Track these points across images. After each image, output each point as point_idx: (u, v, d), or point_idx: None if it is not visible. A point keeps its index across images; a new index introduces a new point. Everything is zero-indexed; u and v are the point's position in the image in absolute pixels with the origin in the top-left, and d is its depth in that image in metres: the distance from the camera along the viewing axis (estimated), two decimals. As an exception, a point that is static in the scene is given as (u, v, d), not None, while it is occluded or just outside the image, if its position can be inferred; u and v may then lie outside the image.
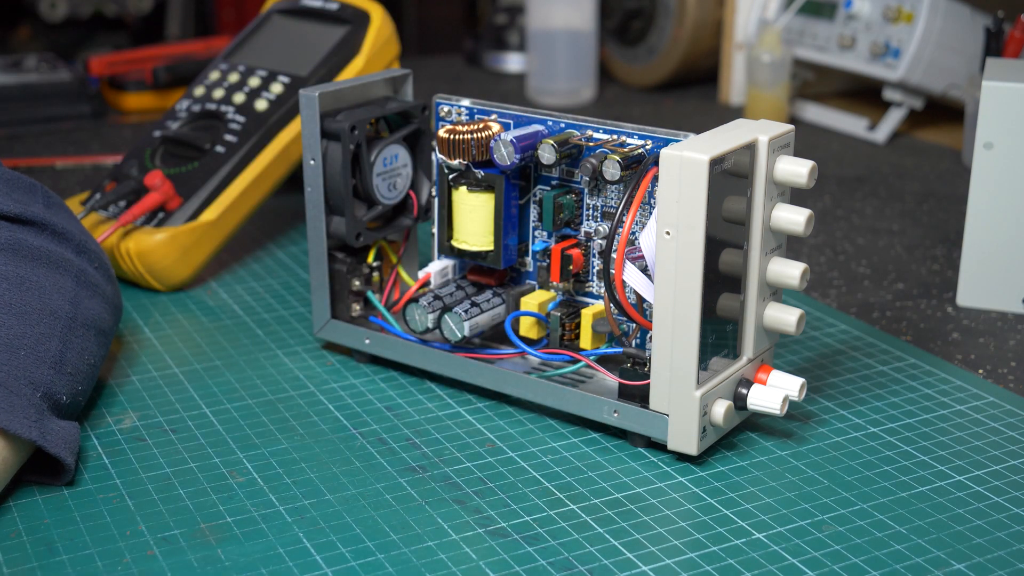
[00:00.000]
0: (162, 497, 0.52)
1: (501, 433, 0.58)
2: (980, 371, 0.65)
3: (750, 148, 0.54)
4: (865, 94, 1.21)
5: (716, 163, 0.51)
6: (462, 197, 0.60)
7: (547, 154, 0.58)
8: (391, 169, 0.64)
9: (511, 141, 0.58)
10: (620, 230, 0.56)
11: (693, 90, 1.27)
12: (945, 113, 1.14)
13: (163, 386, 0.62)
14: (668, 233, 0.52)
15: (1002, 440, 0.57)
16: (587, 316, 0.60)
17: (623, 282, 0.56)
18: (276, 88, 0.78)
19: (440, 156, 0.60)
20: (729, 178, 0.52)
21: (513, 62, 1.37)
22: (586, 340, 0.60)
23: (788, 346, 0.67)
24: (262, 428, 0.58)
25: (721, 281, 0.54)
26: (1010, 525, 0.51)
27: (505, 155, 0.58)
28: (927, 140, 1.11)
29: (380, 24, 0.81)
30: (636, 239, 0.57)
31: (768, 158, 0.54)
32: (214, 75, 0.81)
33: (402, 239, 0.67)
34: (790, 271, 0.55)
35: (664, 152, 0.51)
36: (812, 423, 0.59)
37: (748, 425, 0.58)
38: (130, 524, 0.50)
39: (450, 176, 0.61)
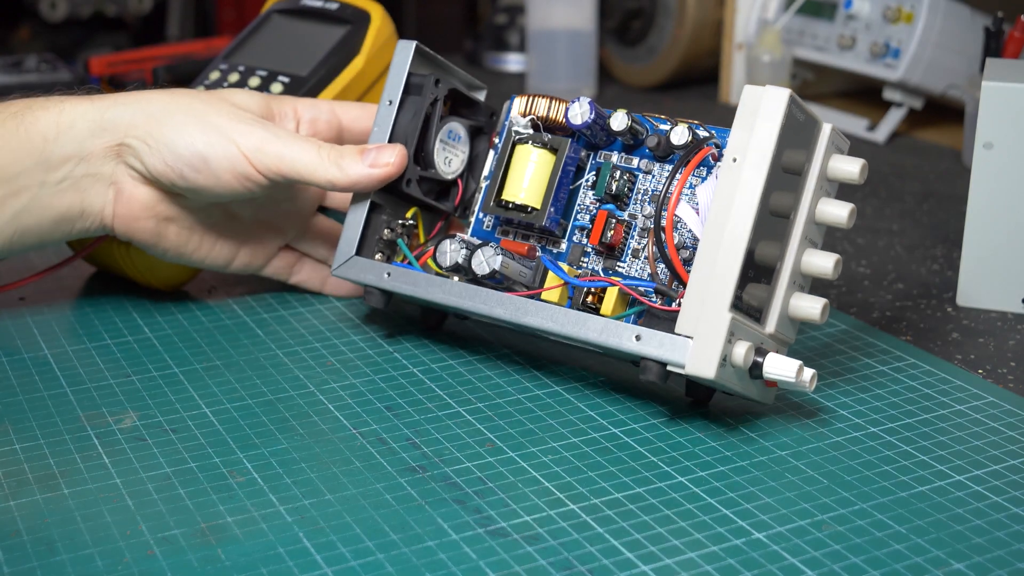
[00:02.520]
0: (162, 497, 0.52)
1: (501, 433, 0.58)
2: (980, 371, 0.65)
3: (815, 125, 0.57)
4: (865, 94, 1.21)
5: (793, 103, 0.55)
6: (524, 152, 0.63)
7: (618, 120, 0.61)
8: (452, 144, 0.66)
9: (588, 102, 0.61)
10: (676, 181, 0.59)
11: (693, 90, 1.27)
12: (945, 113, 1.14)
13: (163, 386, 0.62)
14: (735, 160, 0.55)
15: (1002, 440, 0.57)
16: (613, 290, 0.60)
17: (675, 219, 0.59)
18: (276, 88, 0.78)
19: (514, 115, 0.64)
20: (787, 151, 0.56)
21: (513, 62, 1.37)
22: (608, 307, 0.60)
23: (788, 345, 0.67)
24: (262, 428, 0.58)
25: (768, 228, 0.56)
26: (1010, 525, 0.51)
27: (579, 113, 0.61)
28: (927, 140, 1.11)
29: (380, 24, 0.81)
30: (691, 194, 0.60)
31: (827, 150, 0.58)
32: (214, 75, 0.81)
33: (436, 222, 0.67)
34: (823, 261, 0.58)
35: (747, 86, 0.56)
36: (812, 423, 0.59)
37: (748, 424, 0.58)
38: (130, 524, 0.50)
39: (516, 137, 0.63)
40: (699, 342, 0.54)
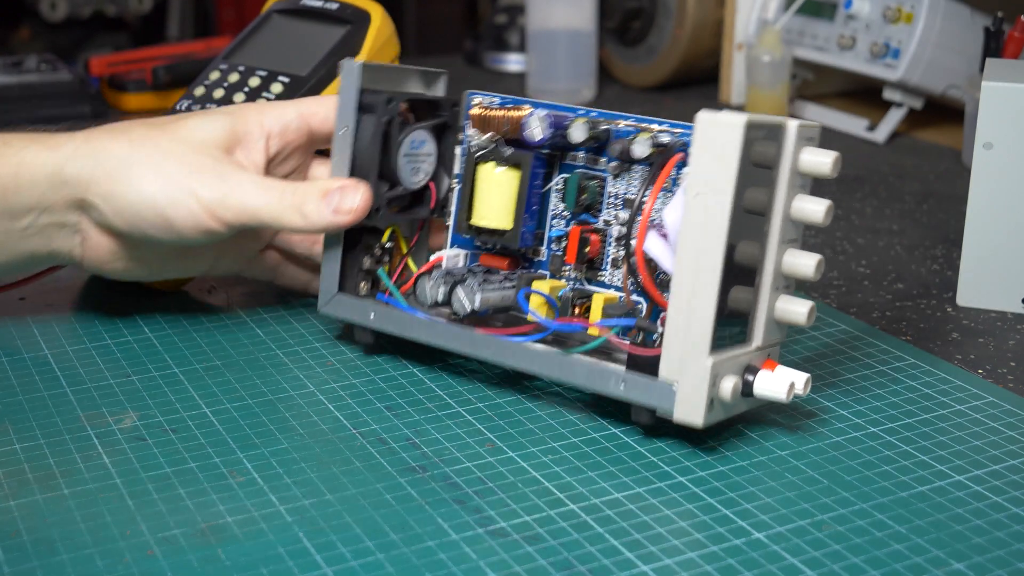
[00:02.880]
0: (162, 497, 0.52)
1: (501, 433, 0.58)
2: (980, 371, 0.65)
3: (780, 129, 0.54)
4: (865, 94, 1.21)
5: (752, 128, 0.52)
6: (487, 173, 0.62)
7: (578, 132, 0.59)
8: (417, 153, 0.65)
9: (545, 116, 0.59)
10: (645, 203, 0.57)
11: (693, 90, 1.27)
12: (945, 113, 1.14)
13: (163, 386, 0.62)
14: (697, 195, 0.53)
15: (1002, 440, 0.57)
16: (599, 299, 0.60)
17: (643, 253, 0.56)
18: (276, 88, 0.78)
19: (470, 132, 0.62)
20: (755, 167, 0.54)
21: (513, 62, 1.37)
22: (596, 316, 0.60)
23: (788, 346, 0.67)
24: (262, 428, 0.58)
25: (738, 269, 0.54)
26: (1009, 525, 0.51)
27: (537, 130, 0.59)
28: (927, 140, 1.11)
29: (380, 24, 0.81)
30: (658, 218, 0.58)
31: (796, 145, 0.55)
32: (214, 75, 0.81)
33: (415, 230, 0.67)
34: (805, 261, 0.56)
35: (701, 115, 0.53)
36: (812, 423, 0.59)
37: (748, 425, 0.58)
38: (130, 524, 0.50)
39: (477, 154, 0.62)
40: (684, 390, 0.54)
